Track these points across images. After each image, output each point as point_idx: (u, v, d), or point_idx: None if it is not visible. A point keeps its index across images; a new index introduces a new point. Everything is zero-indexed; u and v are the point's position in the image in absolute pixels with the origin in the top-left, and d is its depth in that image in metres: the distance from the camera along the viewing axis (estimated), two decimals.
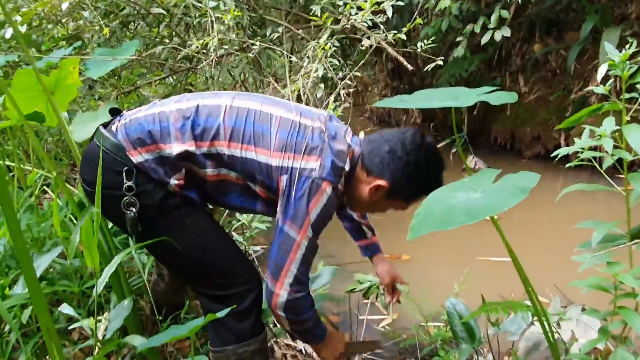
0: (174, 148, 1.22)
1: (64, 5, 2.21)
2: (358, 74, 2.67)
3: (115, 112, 1.39)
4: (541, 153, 4.57)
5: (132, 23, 2.87)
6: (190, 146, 1.22)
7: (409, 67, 2.95)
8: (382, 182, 1.28)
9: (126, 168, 1.22)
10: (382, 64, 5.42)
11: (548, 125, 4.47)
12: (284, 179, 1.21)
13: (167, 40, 2.59)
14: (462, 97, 0.97)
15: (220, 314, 0.95)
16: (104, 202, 1.17)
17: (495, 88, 1.00)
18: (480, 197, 0.85)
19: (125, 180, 1.21)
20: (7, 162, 2.12)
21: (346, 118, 2.85)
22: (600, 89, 1.06)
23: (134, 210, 1.22)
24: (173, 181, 1.24)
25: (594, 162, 1.08)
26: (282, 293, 1.22)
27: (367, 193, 1.32)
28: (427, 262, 2.69)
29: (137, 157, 1.23)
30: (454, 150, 4.63)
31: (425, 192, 1.02)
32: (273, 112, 1.28)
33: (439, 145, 4.74)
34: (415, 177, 1.31)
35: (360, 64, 2.96)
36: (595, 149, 1.08)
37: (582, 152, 1.10)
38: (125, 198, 1.22)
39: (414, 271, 2.60)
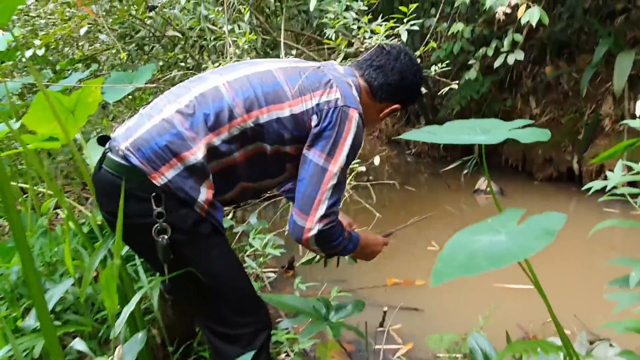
0: (196, 151, 1.16)
1: (82, 30, 2.23)
2: None
3: (104, 141, 1.30)
4: (553, 175, 4.52)
5: (148, 45, 2.89)
6: (209, 140, 1.18)
7: (423, 90, 2.93)
8: (396, 106, 1.42)
9: (154, 194, 1.15)
10: None
11: (560, 148, 4.43)
12: (314, 118, 1.22)
13: (182, 63, 2.60)
14: (492, 132, 0.94)
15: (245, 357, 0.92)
16: (130, 232, 1.14)
17: (527, 122, 0.97)
18: (504, 241, 0.81)
19: (154, 207, 1.15)
20: (21, 184, 2.11)
21: None
22: (637, 123, 1.03)
23: (166, 237, 1.16)
24: (202, 195, 1.18)
25: (628, 198, 1.04)
26: (315, 226, 1.23)
27: (377, 117, 1.44)
28: (442, 288, 2.63)
29: (159, 180, 1.15)
30: (465, 171, 4.62)
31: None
32: (270, 67, 1.28)
33: (451, 167, 4.70)
34: (418, 89, 1.47)
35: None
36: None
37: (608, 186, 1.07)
38: (157, 225, 1.15)
39: (429, 298, 2.55)
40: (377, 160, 2.40)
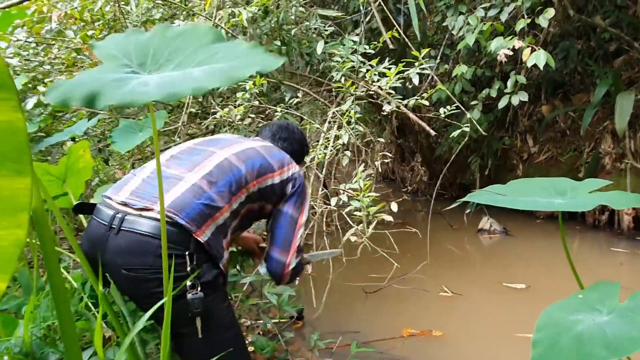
0: (224, 212, 1.35)
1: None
2: (382, 140, 2.62)
3: (82, 208, 1.41)
4: (554, 214, 4.50)
5: None
6: (232, 202, 1.37)
7: (432, 132, 2.91)
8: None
9: (188, 252, 1.24)
10: (390, 123, 5.42)
11: None
12: (289, 185, 1.53)
13: (191, 109, 2.53)
14: (570, 194, 0.86)
15: None
16: (147, 284, 1.20)
17: (602, 182, 0.90)
18: (614, 323, 0.72)
19: (189, 263, 1.23)
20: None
21: (349, 174, 2.78)
22: None
23: (197, 291, 1.24)
24: (226, 252, 1.35)
25: None
26: (293, 261, 1.51)
27: None
28: (461, 340, 2.52)
29: (203, 237, 1.27)
30: (467, 211, 4.58)
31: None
32: (253, 145, 1.54)
33: (452, 207, 4.64)
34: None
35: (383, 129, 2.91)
36: None
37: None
38: (189, 280, 1.23)
39: (447, 350, 2.43)
40: (394, 207, 2.32)
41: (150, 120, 1.93)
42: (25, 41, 2.24)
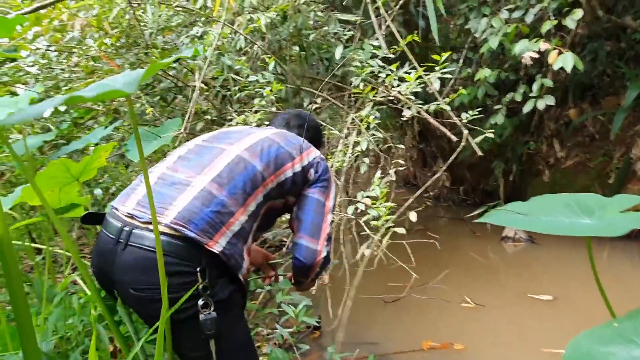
0: (239, 216, 1.24)
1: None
2: (401, 146, 2.56)
3: (90, 218, 1.33)
4: None
5: (169, 96, 2.82)
6: (249, 203, 1.26)
7: (453, 137, 2.83)
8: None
9: (200, 267, 1.14)
10: (412, 128, 5.34)
11: (589, 192, 4.27)
12: (312, 171, 1.43)
13: (207, 117, 2.52)
14: (597, 213, 0.80)
15: None
16: (157, 305, 1.08)
17: (636, 199, 0.83)
18: None
19: (200, 280, 1.13)
20: (37, 244, 1.99)
21: (369, 179, 2.72)
22: None
23: (210, 311, 1.14)
24: (245, 262, 1.24)
25: None
26: (323, 250, 1.39)
27: None
28: (483, 353, 2.43)
29: (216, 247, 1.16)
30: None
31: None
32: (266, 134, 1.43)
33: (475, 213, 4.52)
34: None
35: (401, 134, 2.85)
36: None
37: None
38: (202, 299, 1.13)
39: None
40: (413, 217, 2.25)
41: (166, 127, 1.93)
42: (47, 49, 2.27)
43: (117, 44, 2.22)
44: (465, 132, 2.67)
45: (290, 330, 2.37)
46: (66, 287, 1.50)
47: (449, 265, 3.56)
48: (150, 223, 1.16)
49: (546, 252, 3.83)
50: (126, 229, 1.17)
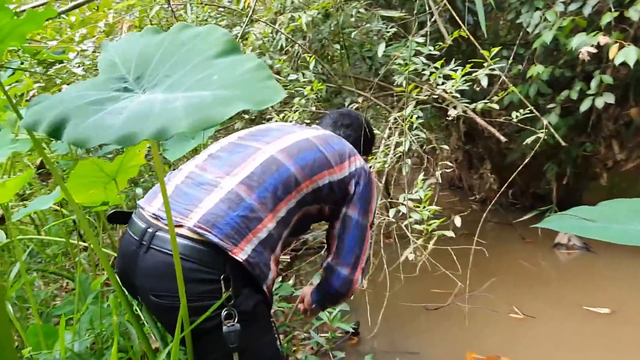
0: (267, 222, 1.15)
1: None
2: (446, 147, 2.45)
3: (119, 217, 1.27)
4: None
5: None
6: (279, 209, 1.17)
7: (503, 138, 2.68)
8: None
9: (223, 275, 1.07)
10: (458, 128, 5.16)
11: None
12: (352, 182, 1.31)
13: (246, 115, 2.51)
14: None
15: None
16: (196, 315, 1.04)
17: None
18: None
19: (224, 289, 1.06)
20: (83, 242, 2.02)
21: (412, 181, 2.61)
22: None
23: (234, 322, 1.07)
24: (272, 273, 1.16)
25: None
26: (360, 278, 1.35)
27: None
28: None
29: (241, 255, 1.08)
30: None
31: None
32: (307, 135, 1.32)
33: (526, 217, 4.30)
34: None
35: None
36: None
37: None
38: (225, 310, 1.06)
39: None
40: (458, 221, 2.14)
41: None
42: (94, 51, 2.33)
43: None
44: (545, 121, 2.50)
45: (326, 336, 2.31)
46: (102, 285, 1.49)
47: (496, 273, 3.39)
48: (176, 225, 1.10)
49: (603, 261, 3.58)
50: (150, 230, 1.11)
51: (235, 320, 1.06)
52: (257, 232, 1.12)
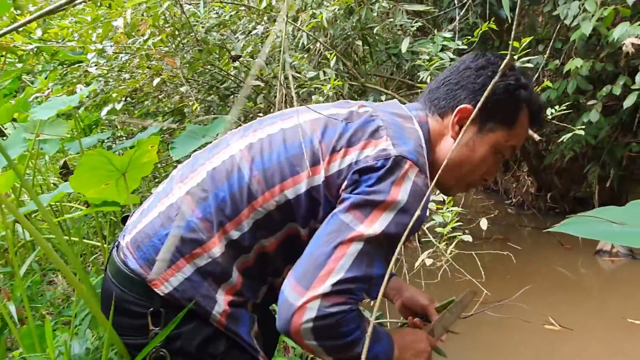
0: (212, 246, 0.87)
1: (155, 82, 2.17)
2: None
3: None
4: None
5: (232, 95, 2.80)
6: (228, 231, 0.87)
7: (536, 136, 2.51)
8: (462, 107, 0.95)
9: (151, 309, 0.88)
10: None
11: None
12: (345, 184, 0.86)
13: (261, 114, 2.46)
14: None
15: None
16: (136, 351, 0.89)
17: None
18: None
19: (151, 326, 0.88)
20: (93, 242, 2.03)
21: None
22: None
23: None
24: (218, 306, 0.88)
25: None
26: (314, 305, 0.77)
27: (452, 143, 0.96)
28: None
29: (162, 288, 0.87)
30: None
31: (525, 102, 0.94)
32: (301, 120, 0.93)
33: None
34: (492, 85, 0.76)
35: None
36: None
37: None
38: (152, 351, 0.88)
39: None
40: (484, 224, 2.00)
41: (215, 125, 1.87)
42: (113, 52, 2.34)
43: (167, 41, 2.22)
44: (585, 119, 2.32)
45: None
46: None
47: (531, 281, 3.19)
48: (116, 245, 0.96)
49: None
50: (111, 250, 0.97)
51: None
52: (194, 257, 0.88)
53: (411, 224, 0.71)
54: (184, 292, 0.87)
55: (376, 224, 0.81)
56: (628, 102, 2.83)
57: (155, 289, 0.87)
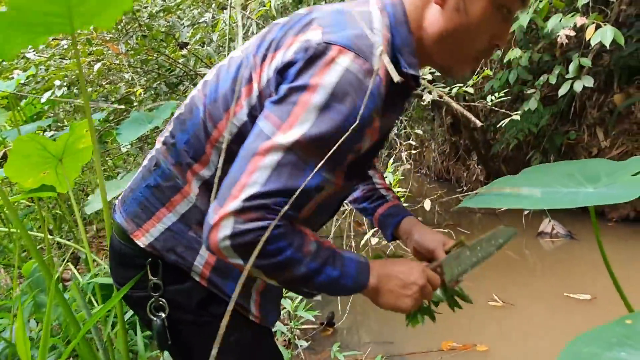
0: (190, 191, 0.85)
1: (96, 67, 2.12)
2: (420, 131, 2.39)
3: None
4: (630, 216, 3.99)
5: (180, 83, 2.77)
6: (197, 172, 0.85)
7: (478, 122, 2.62)
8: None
9: (150, 259, 0.88)
10: (442, 118, 5.11)
11: None
12: (271, 91, 0.76)
13: None
14: (604, 180, 0.63)
15: None
16: (137, 307, 0.92)
17: None
18: None
19: (150, 276, 0.88)
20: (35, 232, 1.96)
21: (403, 175, 2.56)
22: None
23: (162, 316, 0.88)
24: (200, 257, 0.86)
25: None
26: (227, 222, 0.69)
27: (439, 12, 0.78)
28: (508, 356, 2.22)
29: (143, 239, 0.88)
30: (526, 212, 4.17)
31: None
32: (250, 43, 0.84)
33: (508, 208, 4.28)
34: None
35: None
36: None
37: None
38: (152, 300, 0.88)
39: None
40: (427, 205, 2.08)
41: (161, 111, 1.85)
42: (54, 39, 2.25)
43: (115, 27, 2.18)
44: (525, 107, 2.45)
45: (290, 325, 2.25)
46: (61, 280, 1.43)
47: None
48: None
49: (587, 249, 3.53)
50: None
51: (166, 314, 0.88)
52: (173, 205, 0.87)
53: (358, 119, 0.63)
54: (165, 242, 0.87)
55: (295, 129, 0.69)
56: (563, 89, 3.00)
57: (137, 241, 0.88)
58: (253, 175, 0.70)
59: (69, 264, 1.89)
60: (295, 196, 0.68)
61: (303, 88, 0.70)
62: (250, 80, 0.78)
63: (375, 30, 0.74)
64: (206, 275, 0.87)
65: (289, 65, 0.73)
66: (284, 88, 0.72)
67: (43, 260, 1.11)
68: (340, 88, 0.69)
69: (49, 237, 1.99)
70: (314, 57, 0.70)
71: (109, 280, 1.25)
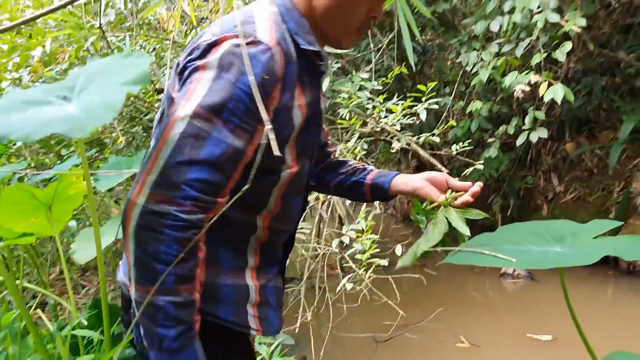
0: None
1: None
2: None
3: None
4: None
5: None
6: None
7: (443, 169, 2.77)
8: None
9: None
10: (408, 162, 5.30)
11: None
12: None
13: None
14: (570, 240, 0.72)
15: None
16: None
17: (612, 224, 0.75)
18: None
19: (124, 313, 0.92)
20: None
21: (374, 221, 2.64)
22: None
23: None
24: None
25: None
26: (140, 198, 0.70)
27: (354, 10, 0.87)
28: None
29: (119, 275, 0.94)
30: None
31: None
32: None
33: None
34: None
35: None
36: None
37: None
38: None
39: None
40: (398, 250, 2.16)
41: (140, 156, 1.87)
42: (30, 81, 2.26)
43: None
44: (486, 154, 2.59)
45: None
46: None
47: (445, 303, 3.42)
48: None
49: (547, 290, 3.69)
50: None
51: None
52: None
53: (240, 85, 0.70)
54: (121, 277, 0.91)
55: (191, 101, 0.73)
56: (520, 139, 3.21)
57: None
58: (162, 151, 0.72)
59: (38, 310, 1.84)
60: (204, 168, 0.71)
61: (196, 69, 0.76)
62: (171, 99, 0.82)
63: (255, 19, 0.81)
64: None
65: (187, 62, 0.79)
66: (183, 79, 0.78)
67: (29, 317, 1.10)
68: (225, 60, 0.74)
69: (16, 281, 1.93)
70: (205, 51, 0.77)
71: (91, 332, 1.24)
